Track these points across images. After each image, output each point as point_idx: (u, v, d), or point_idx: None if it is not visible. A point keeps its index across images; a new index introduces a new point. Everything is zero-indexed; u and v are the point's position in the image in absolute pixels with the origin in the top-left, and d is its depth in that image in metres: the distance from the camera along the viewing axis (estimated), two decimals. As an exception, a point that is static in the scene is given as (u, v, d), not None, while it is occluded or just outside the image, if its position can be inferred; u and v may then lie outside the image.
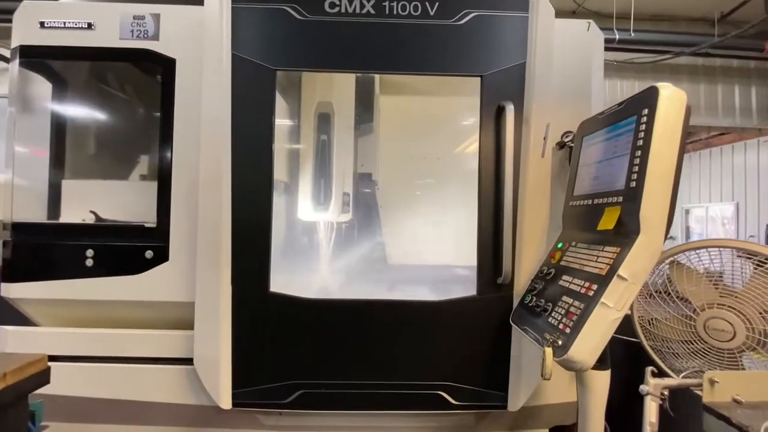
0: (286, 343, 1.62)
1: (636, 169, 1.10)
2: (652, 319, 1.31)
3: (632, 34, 4.93)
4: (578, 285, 1.19)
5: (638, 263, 1.05)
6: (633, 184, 1.10)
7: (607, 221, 1.18)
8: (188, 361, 1.64)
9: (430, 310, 1.64)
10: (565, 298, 1.22)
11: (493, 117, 1.65)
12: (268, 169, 1.61)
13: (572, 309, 1.14)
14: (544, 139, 1.64)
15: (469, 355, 1.65)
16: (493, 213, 1.65)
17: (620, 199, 1.15)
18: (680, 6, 5.55)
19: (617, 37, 4.79)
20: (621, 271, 1.06)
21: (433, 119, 2.74)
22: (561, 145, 1.69)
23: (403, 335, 1.63)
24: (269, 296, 1.60)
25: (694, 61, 5.71)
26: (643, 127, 1.10)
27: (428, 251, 2.79)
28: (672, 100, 1.06)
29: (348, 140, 2.00)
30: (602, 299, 1.06)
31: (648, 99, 1.10)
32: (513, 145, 1.58)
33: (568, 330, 1.11)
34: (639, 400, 1.46)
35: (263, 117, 1.61)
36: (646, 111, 1.10)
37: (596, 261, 1.18)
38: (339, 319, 1.62)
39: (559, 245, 1.46)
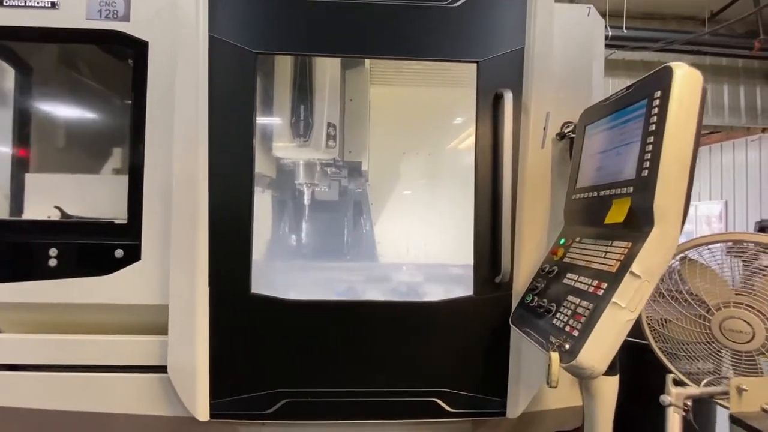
0: (268, 348, 1.50)
1: (648, 156, 1.00)
2: (661, 319, 1.22)
3: (624, 31, 4.90)
4: (585, 283, 1.10)
5: (653, 259, 0.96)
6: (645, 172, 1.01)
7: (616, 214, 1.08)
8: (162, 369, 1.51)
9: (423, 311, 1.53)
10: (570, 297, 1.13)
11: (490, 106, 1.55)
12: (249, 161, 1.49)
13: (580, 310, 1.05)
14: (544, 129, 1.54)
15: (466, 359, 1.55)
16: (490, 207, 1.55)
17: (630, 189, 1.06)
18: (671, 5, 5.56)
19: (610, 33, 4.76)
20: (634, 268, 0.96)
21: (426, 112, 2.65)
22: (561, 135, 1.60)
23: (394, 339, 1.52)
24: (250, 298, 1.48)
25: (683, 60, 5.73)
26: (656, 110, 1.01)
27: (421, 249, 2.70)
28: (687, 79, 0.97)
29: (335, 61, 1.81)
30: (614, 299, 0.96)
31: (661, 80, 1.01)
32: (512, 135, 1.48)
33: (576, 333, 1.01)
34: (644, 405, 1.37)
35: (243, 104, 1.49)
36: (658, 93, 1.01)
37: (604, 257, 1.09)
38: (326, 322, 1.51)
39: (562, 241, 1.37)
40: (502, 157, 1.48)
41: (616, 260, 1.03)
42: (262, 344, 1.50)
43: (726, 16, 5.23)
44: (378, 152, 2.72)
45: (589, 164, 1.32)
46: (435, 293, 2.23)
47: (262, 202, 2.22)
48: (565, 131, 1.59)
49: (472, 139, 2.15)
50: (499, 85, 1.53)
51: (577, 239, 1.29)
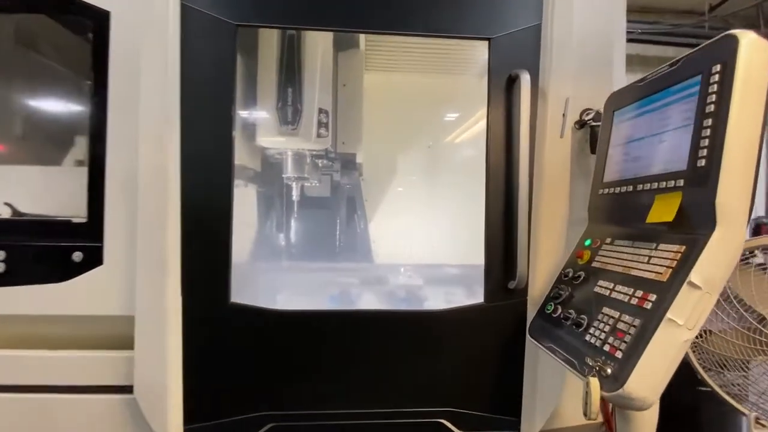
0: (251, 365, 1.31)
1: (706, 143, 0.84)
2: (704, 331, 1.07)
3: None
4: (625, 293, 0.93)
5: (715, 266, 0.80)
6: (702, 162, 0.84)
7: (661, 212, 0.92)
8: (128, 390, 1.31)
9: (427, 321, 1.35)
10: (606, 310, 0.96)
11: (503, 89, 1.38)
12: (228, 151, 1.29)
13: (622, 326, 0.88)
14: (564, 116, 1.37)
15: (475, 374, 1.38)
16: (503, 204, 1.38)
17: (681, 182, 0.89)
18: (668, -1, 5.46)
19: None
20: (693, 277, 0.80)
21: (426, 102, 2.46)
22: (581, 124, 1.42)
23: (395, 353, 1.34)
24: (229, 308, 1.29)
25: (682, 53, 5.64)
26: (715, 87, 0.84)
27: (421, 249, 2.52)
28: (755, 49, 0.80)
29: (326, 40, 1.60)
30: (668, 314, 0.80)
31: (721, 51, 0.84)
32: (529, 123, 1.31)
33: (619, 354, 0.84)
34: (667, 421, 1.21)
35: (221, 85, 1.29)
36: (717, 67, 0.84)
37: (648, 263, 0.92)
38: (317, 335, 1.32)
39: (587, 242, 1.20)
40: (518, 148, 1.31)
41: (667, 267, 0.86)
42: (243, 361, 1.31)
43: (725, 9, 5.15)
44: (374, 144, 2.53)
45: (619, 154, 1.15)
46: (436, 296, 2.06)
47: (245, 198, 2.02)
48: (586, 119, 1.42)
49: (474, 130, 1.98)
50: (514, 66, 1.35)
51: (608, 240, 1.12)
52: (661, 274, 0.86)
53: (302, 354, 1.32)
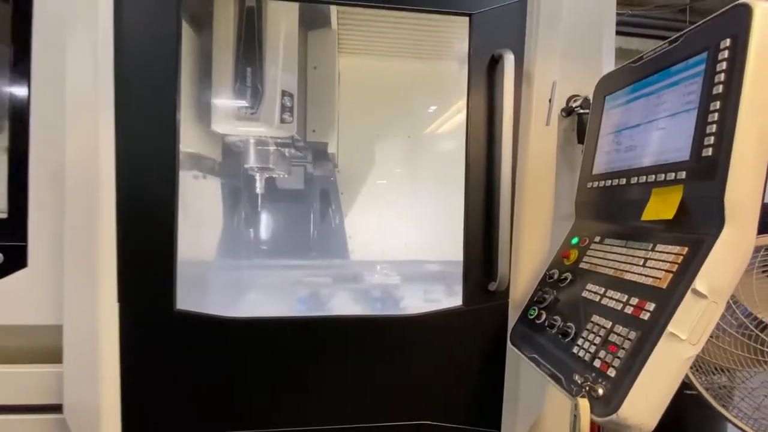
0: (201, 380, 1.16)
1: (714, 129, 0.73)
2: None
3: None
4: (618, 300, 0.82)
5: (723, 271, 0.69)
6: (708, 152, 0.73)
7: (660, 208, 0.81)
8: (57, 409, 1.15)
9: (400, 327, 1.23)
10: (597, 318, 0.85)
11: (484, 71, 1.25)
12: (172, 136, 1.12)
13: (615, 338, 0.77)
14: (550, 101, 1.26)
15: (452, 383, 1.26)
16: (484, 198, 1.26)
17: (683, 175, 0.78)
18: (650, -9, 5.43)
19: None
20: (697, 284, 0.69)
21: (405, 89, 2.32)
22: (568, 111, 1.31)
23: (364, 363, 1.21)
24: (175, 316, 1.13)
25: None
26: (724, 65, 0.73)
27: (400, 245, 2.40)
28: (772, 21, 0.69)
29: (291, 14, 1.43)
30: (670, 327, 0.69)
31: (731, 23, 0.73)
32: (512, 109, 1.18)
33: (612, 372, 0.73)
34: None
35: (164, 58, 1.11)
36: (727, 42, 0.73)
37: (644, 266, 0.81)
38: (275, 345, 1.18)
39: (574, 240, 1.10)
40: (500, 136, 1.19)
41: (666, 272, 0.75)
42: (191, 376, 1.15)
43: (707, 5, 5.15)
44: (350, 134, 2.38)
45: (610, 144, 1.04)
46: (415, 296, 1.94)
47: (205, 191, 1.85)
48: (573, 106, 1.30)
49: (457, 120, 1.85)
50: (497, 45, 1.22)
51: (596, 239, 1.02)
52: (660, 279, 0.76)
53: (259, 367, 1.17)
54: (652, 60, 0.94)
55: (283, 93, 1.40)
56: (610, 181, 1.00)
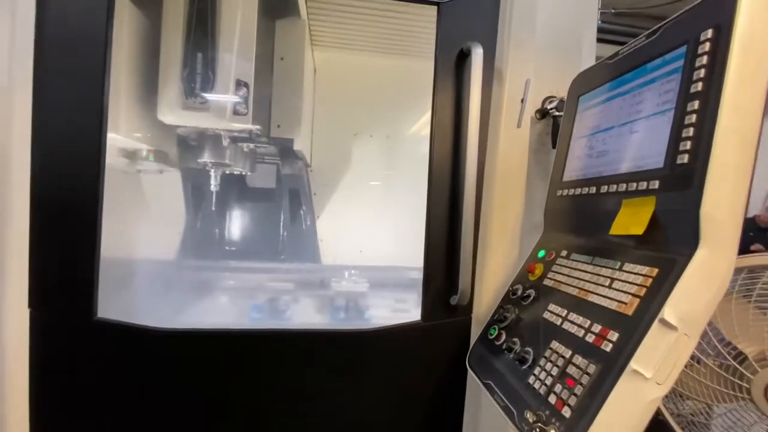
0: (119, 398, 1.03)
1: (690, 132, 0.63)
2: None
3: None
4: (579, 326, 0.72)
5: (696, 298, 0.59)
6: (684, 158, 0.63)
7: (629, 222, 0.71)
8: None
9: (351, 344, 1.11)
10: (556, 345, 0.75)
11: (452, 67, 1.15)
12: (96, 126, 0.99)
13: (573, 370, 0.67)
14: (522, 101, 1.16)
15: (407, 409, 1.15)
16: (448, 204, 1.15)
17: (656, 184, 0.68)
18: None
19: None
20: (666, 313, 0.59)
21: (386, 87, 2.22)
22: (542, 113, 1.21)
23: (309, 384, 1.09)
24: (93, 326, 1.00)
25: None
26: (704, 59, 0.63)
27: (375, 249, 2.29)
28: (760, 7, 0.60)
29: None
30: (633, 363, 0.58)
31: (714, 11, 0.64)
32: (479, 108, 1.08)
33: (566, 411, 0.63)
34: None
35: (91, 33, 0.99)
36: (709, 33, 0.63)
37: (610, 287, 0.71)
38: (210, 362, 1.05)
39: (541, 254, 0.99)
40: (466, 137, 1.09)
41: (633, 295, 0.65)
42: (110, 393, 1.03)
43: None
44: (325, 132, 2.27)
45: (582, 148, 0.95)
46: (382, 305, 1.83)
47: (159, 188, 1.73)
48: (548, 107, 1.21)
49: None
50: (467, 39, 1.12)
51: (563, 253, 0.91)
52: (626, 304, 0.65)
53: (191, 386, 1.05)
54: (628, 56, 0.84)
55: (238, 82, 1.28)
56: (580, 190, 0.90)
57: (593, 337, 0.68)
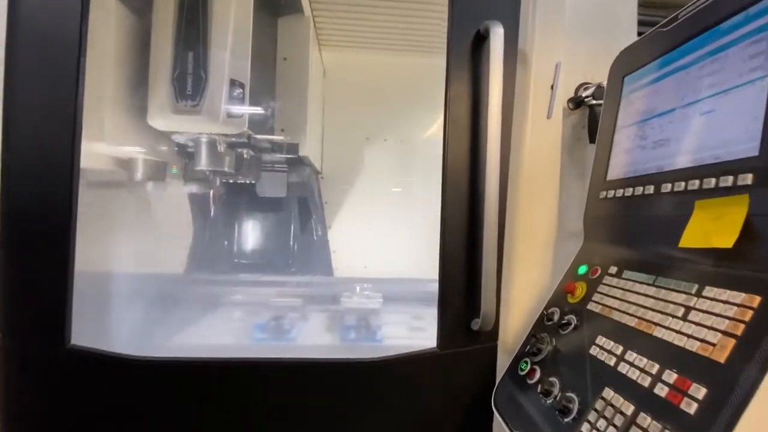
0: (97, 436, 0.92)
1: (803, 103, 0.45)
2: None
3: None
4: (644, 371, 0.54)
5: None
6: (793, 141, 0.45)
7: (710, 229, 0.53)
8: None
9: (355, 376, 0.95)
10: (610, 392, 0.56)
11: (468, 51, 0.99)
12: (68, 135, 0.89)
13: (640, 438, 0.48)
14: (552, 88, 0.99)
15: (423, 450, 0.98)
16: (467, 212, 0.99)
17: (747, 179, 0.50)
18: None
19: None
20: (785, 365, 0.40)
21: (398, 87, 2.08)
22: (577, 102, 1.03)
23: (305, 421, 0.94)
24: (67, 353, 0.89)
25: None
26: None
27: (392, 261, 2.13)
28: None
29: None
30: (736, 437, 0.40)
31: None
32: (501, 98, 0.92)
33: (635, 499, 0.45)
34: None
35: (64, 30, 0.90)
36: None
37: (685, 320, 0.53)
38: (196, 395, 0.92)
39: (582, 270, 0.81)
40: (486, 133, 0.92)
41: (725, 334, 0.47)
42: (87, 427, 0.91)
43: None
44: (337, 137, 2.15)
45: (631, 139, 0.76)
46: (400, 321, 1.67)
47: (162, 200, 1.64)
48: (583, 96, 1.03)
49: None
50: (484, 17, 0.96)
51: (612, 270, 0.73)
52: (714, 346, 0.47)
53: (173, 423, 0.92)
54: (690, 18, 0.66)
55: (233, 82, 1.17)
56: (631, 190, 0.72)
57: (666, 389, 0.49)
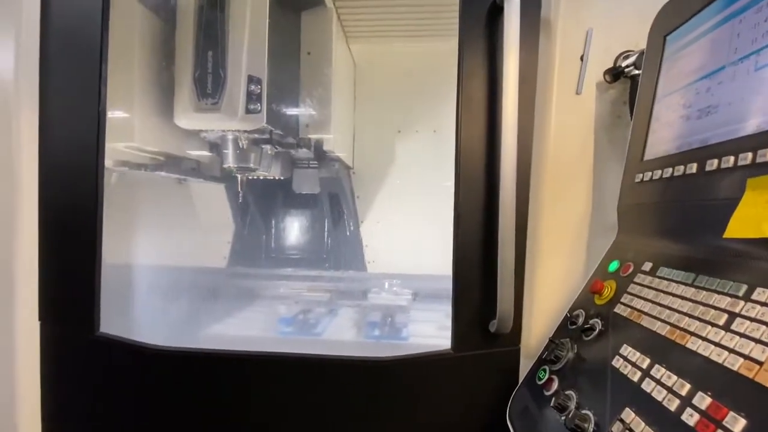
0: (121, 416, 0.97)
1: None
2: None
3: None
4: (670, 390, 0.43)
5: None
6: None
7: (763, 216, 0.41)
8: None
9: (365, 377, 0.91)
10: (630, 416, 0.46)
11: (483, 22, 0.90)
12: (94, 136, 0.94)
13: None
14: (582, 59, 0.86)
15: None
16: (483, 202, 0.90)
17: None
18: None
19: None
20: None
21: (429, 76, 1.99)
22: (615, 74, 0.89)
23: (315, 418, 0.92)
24: (95, 341, 0.95)
25: None
26: None
27: (426, 256, 2.06)
28: None
29: None
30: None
31: None
32: (517, 73, 0.81)
33: None
34: None
35: (87, 40, 0.95)
36: None
37: (728, 329, 0.41)
38: (213, 385, 0.93)
39: (613, 266, 0.70)
40: (501, 113, 0.83)
41: (777, 351, 0.35)
42: (112, 410, 0.97)
43: None
44: (367, 132, 2.12)
45: (674, 109, 0.63)
46: (429, 319, 1.60)
47: (183, 197, 1.72)
48: (623, 65, 0.89)
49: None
50: (499, -15, 0.87)
51: (646, 267, 0.61)
52: (761, 366, 0.36)
53: (193, 409, 0.94)
54: (748, -49, 0.52)
55: (250, 78, 1.18)
56: (670, 170, 0.60)
57: (696, 417, 0.39)
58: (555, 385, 0.65)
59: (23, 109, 0.95)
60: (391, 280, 1.72)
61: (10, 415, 0.97)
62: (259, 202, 2.09)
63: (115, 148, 1.21)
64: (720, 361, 0.40)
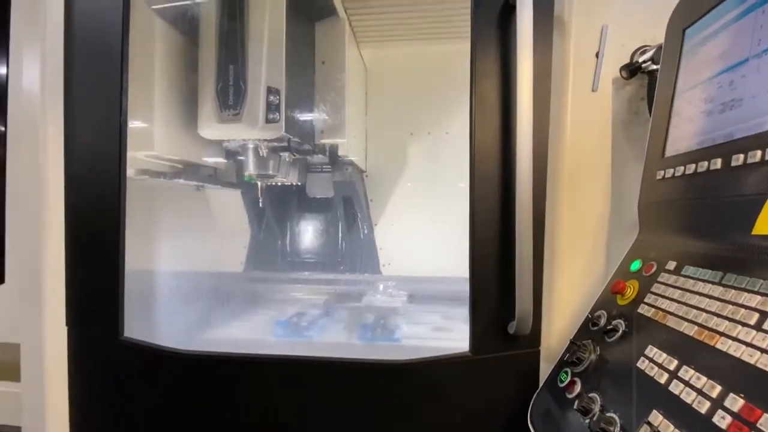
0: (145, 418, 0.99)
1: None
2: None
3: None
4: (700, 392, 0.42)
5: None
6: None
7: (793, 210, 0.39)
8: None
9: (372, 380, 0.90)
10: (658, 419, 0.45)
11: (495, 22, 0.89)
12: (115, 144, 0.97)
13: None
14: (597, 55, 0.85)
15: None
16: (499, 201, 0.89)
17: None
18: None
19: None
20: None
21: (438, 78, 1.99)
22: (632, 70, 0.88)
23: (325, 421, 0.92)
24: (119, 345, 0.97)
25: None
26: None
27: (439, 259, 2.05)
28: None
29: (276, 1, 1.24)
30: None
31: None
32: (532, 72, 0.81)
33: None
34: None
35: (108, 53, 0.99)
36: None
37: (759, 329, 0.40)
38: (233, 388, 0.94)
39: (635, 266, 0.68)
40: (516, 113, 0.82)
41: (813, 351, 0.34)
42: (136, 413, 0.99)
43: None
44: (379, 135, 2.13)
45: (695, 103, 0.62)
46: (427, 320, 1.58)
47: (201, 203, 1.75)
48: (640, 61, 0.87)
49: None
50: (512, -16, 0.86)
51: (670, 266, 0.60)
52: (797, 366, 0.35)
53: (204, 411, 0.96)
54: (770, -60, 0.51)
55: (269, 89, 1.20)
56: (693, 167, 0.58)
57: (728, 419, 0.38)
58: (578, 388, 0.64)
59: (49, 120, 0.99)
60: (386, 282, 1.72)
61: (41, 416, 1.00)
62: (274, 207, 2.11)
63: (136, 157, 1.25)
64: (752, 362, 0.39)
